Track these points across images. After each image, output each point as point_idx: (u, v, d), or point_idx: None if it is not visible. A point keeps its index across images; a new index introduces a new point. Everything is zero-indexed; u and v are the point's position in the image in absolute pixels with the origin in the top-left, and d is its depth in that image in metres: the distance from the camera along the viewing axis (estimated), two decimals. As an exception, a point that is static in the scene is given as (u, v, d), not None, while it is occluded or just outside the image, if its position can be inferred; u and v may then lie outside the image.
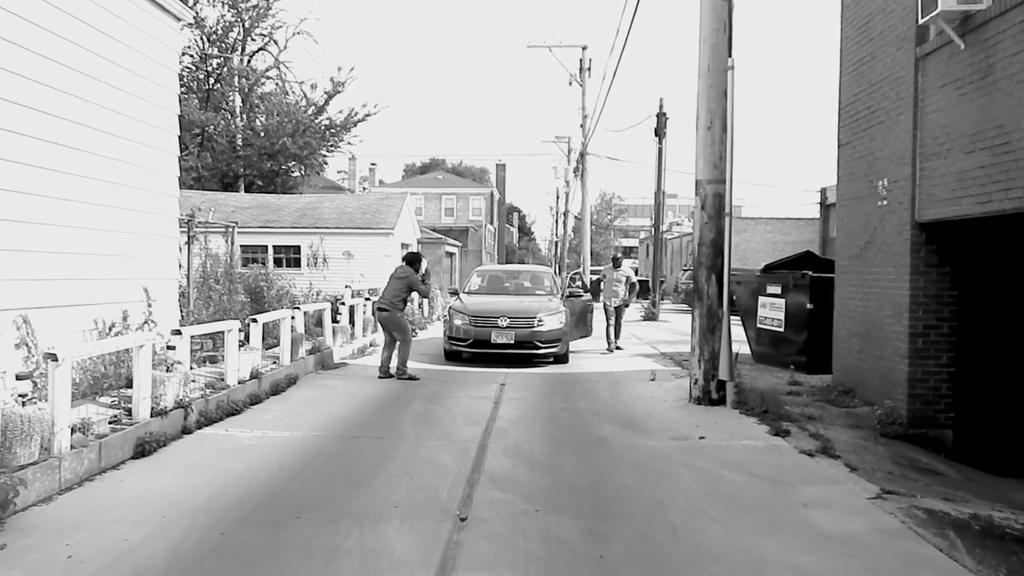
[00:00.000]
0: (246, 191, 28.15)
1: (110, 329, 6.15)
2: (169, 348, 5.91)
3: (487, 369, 10.46)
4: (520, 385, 9.19)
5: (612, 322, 12.98)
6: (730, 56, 7.77)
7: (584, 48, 31.53)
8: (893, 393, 7.49)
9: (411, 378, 9.32)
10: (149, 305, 6.64)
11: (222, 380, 7.04)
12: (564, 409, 7.70)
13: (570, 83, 32.33)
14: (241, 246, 20.66)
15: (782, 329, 10.81)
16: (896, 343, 7.53)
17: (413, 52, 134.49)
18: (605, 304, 13.10)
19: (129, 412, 5.53)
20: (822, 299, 10.00)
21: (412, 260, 9.84)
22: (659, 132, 21.34)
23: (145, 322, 6.43)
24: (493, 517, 4.29)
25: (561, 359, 11.17)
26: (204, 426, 6.23)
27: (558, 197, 56.44)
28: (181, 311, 10.05)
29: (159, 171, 7.37)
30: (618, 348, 12.93)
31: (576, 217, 54.28)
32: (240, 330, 7.34)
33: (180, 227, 11.54)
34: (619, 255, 13.80)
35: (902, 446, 6.68)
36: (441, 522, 4.20)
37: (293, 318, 8.96)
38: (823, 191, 35.93)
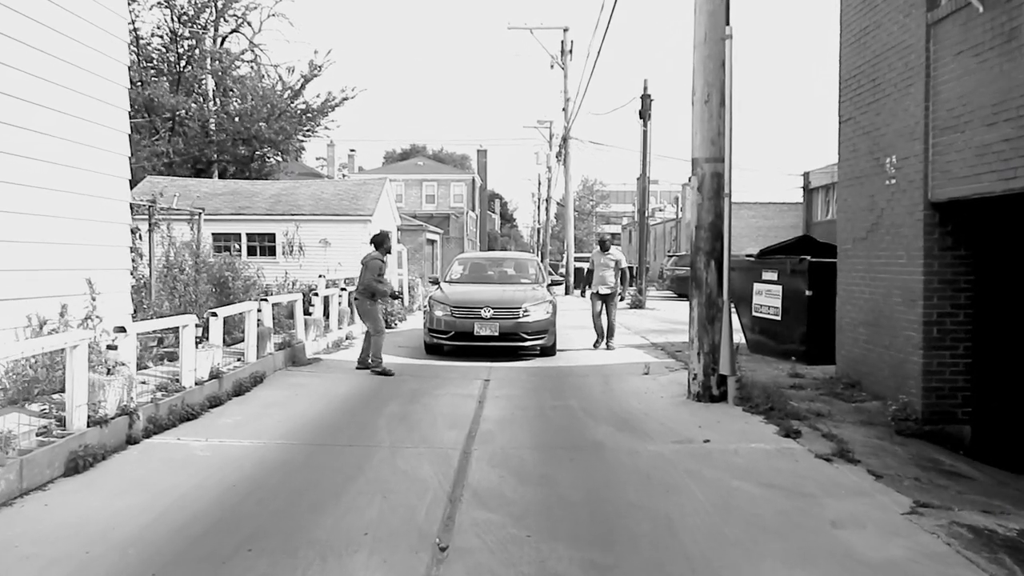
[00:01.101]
0: (220, 178, 27.13)
1: (41, 326, 5.43)
2: (110, 348, 5.22)
3: (470, 363, 9.85)
4: (506, 381, 8.59)
5: (598, 312, 11.31)
6: (728, 24, 7.17)
7: (565, 30, 30.85)
8: (905, 386, 7.01)
9: (385, 372, 8.69)
10: (93, 299, 5.92)
11: (177, 381, 6.36)
12: (554, 408, 7.12)
13: (552, 66, 31.68)
14: (213, 234, 19.83)
15: (779, 317, 10.31)
16: (908, 332, 7.03)
17: (392, 36, 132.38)
18: (593, 293, 11.51)
19: (63, 422, 4.84)
20: (822, 285, 9.51)
21: (378, 241, 9.12)
22: (644, 114, 20.75)
23: (87, 318, 5.72)
24: (478, 545, 3.70)
25: (548, 351, 10.59)
26: (153, 434, 5.56)
27: (540, 183, 55.80)
28: (142, 304, 9.34)
29: (106, 150, 6.61)
30: (607, 348, 11.22)
31: (559, 203, 53.70)
32: (198, 325, 6.65)
33: (140, 214, 10.82)
34: (607, 236, 12.44)
35: (920, 445, 6.19)
36: (417, 553, 3.60)
37: (259, 311, 8.26)
38: (806, 175, 35.67)
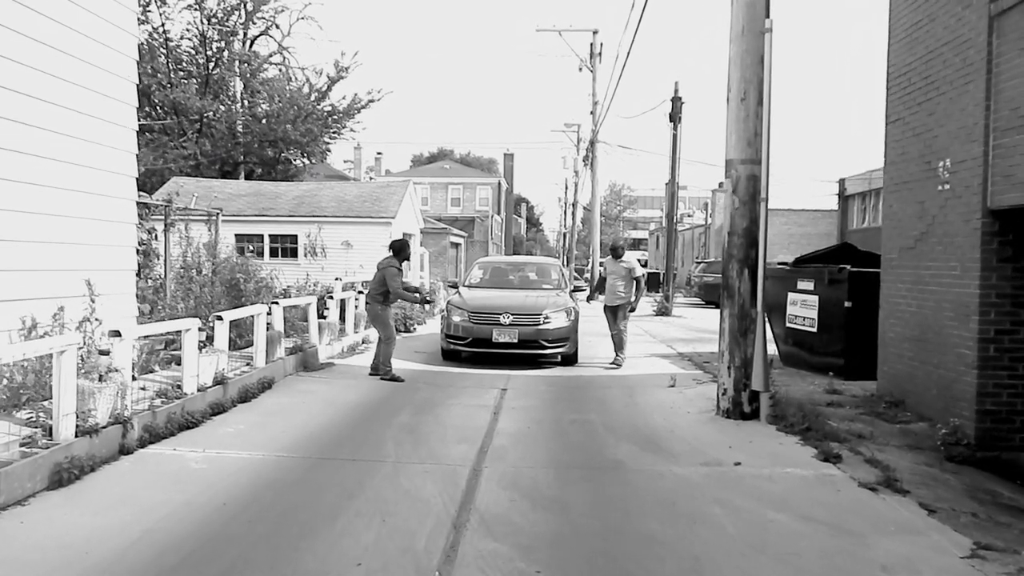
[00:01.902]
0: (246, 179, 27.25)
1: (31, 330, 5.20)
2: (102, 353, 4.96)
3: (487, 371, 9.48)
4: (523, 391, 8.20)
5: (612, 328, 10.07)
6: (768, 16, 6.71)
7: (595, 32, 30.40)
8: (956, 408, 6.45)
9: (394, 379, 8.37)
10: (92, 300, 5.68)
11: (179, 387, 6.09)
12: (573, 423, 6.71)
13: (580, 69, 31.23)
14: (236, 235, 19.83)
15: (815, 329, 9.75)
16: (961, 350, 6.47)
17: (420, 39, 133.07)
18: (604, 307, 10.26)
19: (50, 431, 4.58)
20: (863, 297, 8.95)
21: (397, 248, 8.82)
22: (674, 117, 20.21)
23: (85, 320, 5.48)
24: (481, 584, 3.31)
25: (569, 360, 10.17)
26: (149, 444, 5.28)
27: (567, 187, 55.34)
28: (157, 305, 9.17)
29: (111, 147, 6.39)
30: (615, 365, 9.90)
31: (585, 208, 53.16)
32: (201, 328, 6.38)
33: (157, 214, 10.68)
34: (620, 243, 10.67)
35: (974, 474, 5.64)
36: (413, 591, 3.23)
37: (269, 313, 7.99)
38: (841, 181, 34.67)
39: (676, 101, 20.02)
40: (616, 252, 10.33)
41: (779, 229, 35.57)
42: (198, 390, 6.19)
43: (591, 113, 30.61)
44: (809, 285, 9.83)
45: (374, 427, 6.27)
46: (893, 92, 7.78)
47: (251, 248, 19.87)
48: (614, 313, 10.10)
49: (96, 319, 5.73)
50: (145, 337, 6.72)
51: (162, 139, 25.96)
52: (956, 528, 4.18)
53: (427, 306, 11.79)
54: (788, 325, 10.26)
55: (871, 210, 32.35)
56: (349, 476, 4.84)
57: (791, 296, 10.18)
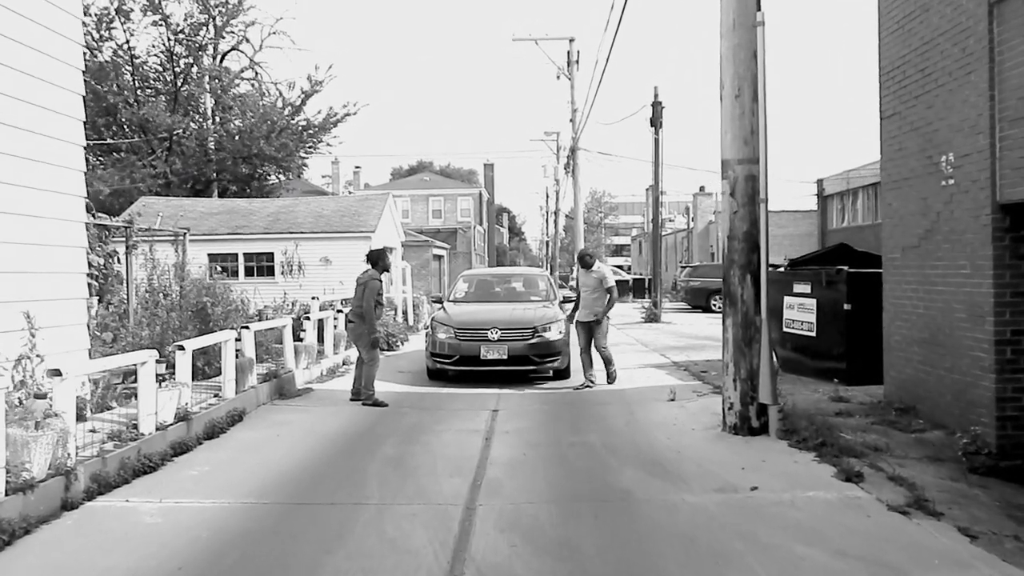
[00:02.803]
0: (220, 197, 26.53)
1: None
2: (38, 397, 4.39)
3: (477, 390, 8.98)
4: (516, 411, 7.71)
5: (585, 345, 9.11)
6: (759, 10, 6.35)
7: (571, 40, 30.14)
8: (973, 415, 6.07)
9: (378, 404, 7.84)
10: (32, 334, 5.10)
11: (135, 427, 5.52)
12: (572, 445, 6.23)
13: (558, 77, 30.91)
14: (209, 255, 19.11)
15: (814, 334, 9.38)
16: (976, 353, 6.10)
17: (395, 51, 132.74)
18: (577, 323, 9.27)
19: (-20, 488, 4.00)
20: (863, 298, 8.61)
21: (375, 258, 8.24)
22: (655, 122, 19.95)
23: (22, 358, 4.90)
24: (481, 661, 2.81)
25: (562, 374, 9.70)
26: (98, 495, 4.71)
27: (548, 196, 55.09)
28: (118, 333, 8.55)
29: (54, 165, 5.83)
30: (587, 386, 8.87)
31: (568, 216, 52.89)
32: (160, 360, 5.82)
33: (118, 235, 10.08)
34: (588, 252, 9.68)
35: (1001, 487, 5.23)
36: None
37: (238, 339, 7.43)
38: (820, 182, 34.80)
39: (656, 106, 19.76)
40: (584, 262, 9.39)
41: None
42: (157, 429, 5.62)
43: (570, 121, 30.32)
44: (806, 288, 9.47)
45: (356, 461, 5.74)
46: (887, 87, 7.46)
47: (224, 268, 19.23)
48: (588, 330, 9.05)
49: (37, 356, 5.14)
50: (99, 372, 6.16)
51: (130, 158, 25.20)
52: (1004, 557, 3.77)
53: (410, 306, 11.00)
54: (785, 330, 9.89)
55: (850, 209, 32.44)
56: (328, 524, 4.31)
57: (787, 300, 9.82)
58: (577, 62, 30.07)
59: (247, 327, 7.82)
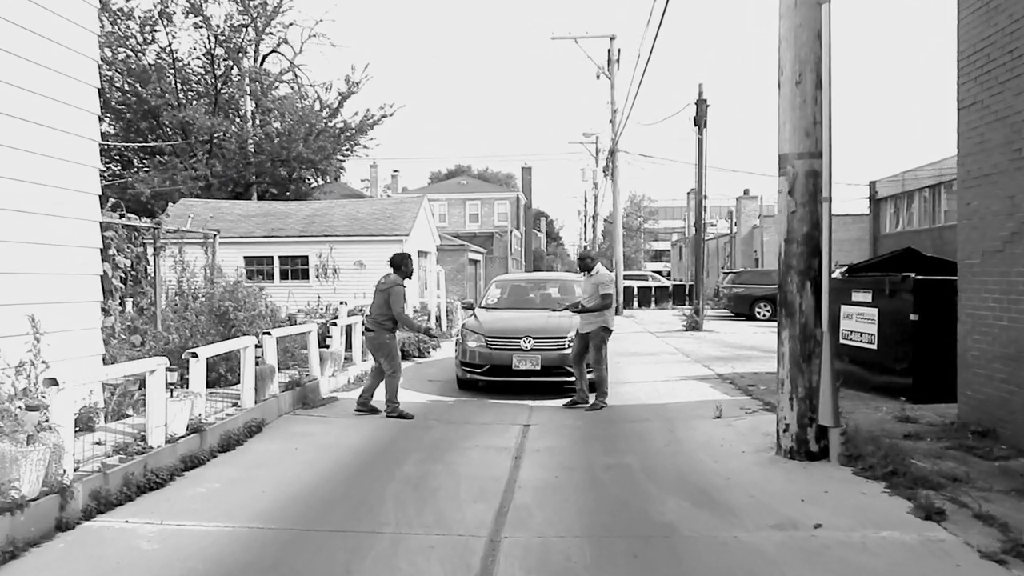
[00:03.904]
0: (260, 200, 26.73)
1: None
2: (30, 409, 4.08)
3: (508, 401, 8.51)
4: (549, 427, 7.20)
5: (573, 354, 8.31)
6: (824, -14, 5.73)
7: (612, 38, 29.57)
8: (1071, 443, 5.33)
9: (402, 416, 7.42)
10: (37, 339, 4.82)
11: (143, 440, 5.20)
12: (608, 468, 5.69)
13: (598, 76, 30.36)
14: (245, 257, 19.15)
15: (874, 346, 8.63)
16: (1073, 372, 5.36)
17: (435, 52, 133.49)
18: (576, 331, 8.34)
19: (-34, 508, 3.69)
20: (932, 308, 7.85)
21: (398, 263, 7.71)
22: (699, 121, 19.21)
23: (22, 364, 4.62)
24: None
25: (598, 387, 9.13)
26: (97, 514, 4.39)
27: (586, 200, 54.38)
28: (146, 336, 8.36)
29: (66, 160, 5.58)
30: (576, 403, 8.06)
31: (606, 220, 52.10)
32: (171, 369, 5.50)
33: (149, 237, 9.93)
34: (589, 254, 8.75)
35: (1112, 530, 4.52)
36: None
37: (259, 346, 7.11)
38: (872, 184, 33.37)
39: (701, 104, 19.03)
40: (585, 264, 8.45)
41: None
42: (167, 441, 5.29)
43: (610, 122, 29.72)
44: (866, 297, 8.73)
45: (374, 481, 5.31)
46: (967, 72, 6.72)
47: (260, 271, 19.22)
48: (585, 341, 8.07)
49: (42, 362, 4.85)
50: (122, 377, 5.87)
51: (172, 161, 25.57)
52: None
53: (430, 339, 10.32)
54: (842, 341, 9.13)
55: (904, 213, 30.95)
56: (334, 558, 3.88)
57: (844, 309, 9.07)
58: (618, 61, 29.46)
59: (268, 333, 7.50)
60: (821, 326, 5.71)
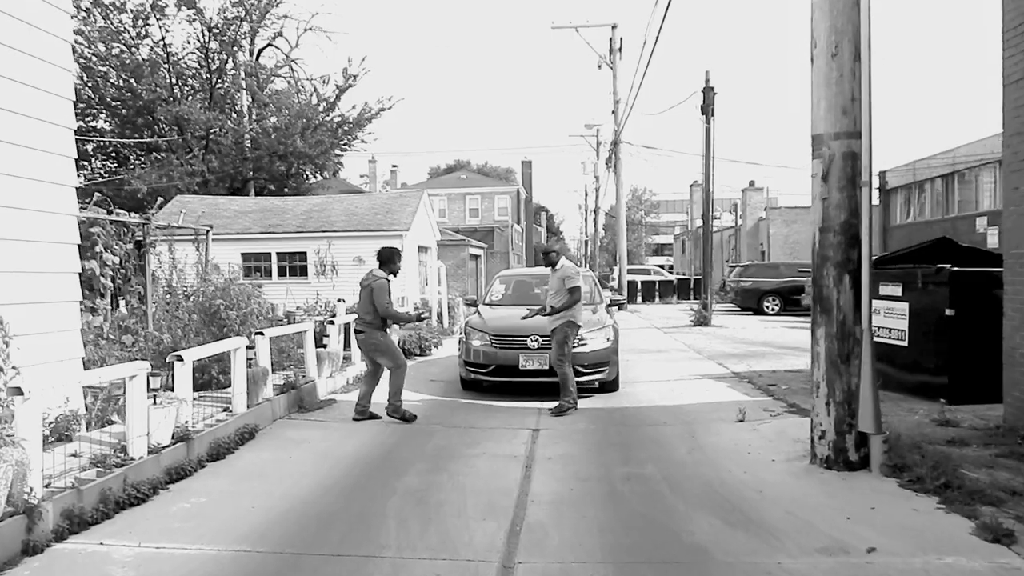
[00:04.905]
0: (257, 196, 26.23)
1: None
2: (-14, 423, 3.65)
3: (515, 403, 8.05)
4: (560, 431, 6.75)
5: (552, 361, 7.70)
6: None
7: (614, 27, 28.99)
8: None
9: (405, 417, 6.97)
10: (6, 343, 4.38)
11: (124, 451, 4.75)
12: (627, 479, 5.23)
13: (599, 67, 29.81)
14: (242, 254, 18.71)
15: (904, 343, 8.16)
16: None
17: (433, 44, 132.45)
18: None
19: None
20: (970, 302, 7.40)
21: (384, 258, 7.20)
22: (706, 109, 18.68)
23: (-12, 372, 4.19)
24: None
25: (609, 387, 8.69)
26: (70, 535, 3.95)
27: (587, 194, 53.87)
28: (137, 336, 7.92)
29: (35, 149, 5.12)
30: (561, 412, 7.37)
31: (607, 214, 51.59)
32: (153, 374, 5.05)
33: (138, 233, 9.47)
34: (554, 248, 8.04)
35: None
36: None
37: (250, 347, 6.66)
38: (882, 174, 32.78)
39: (708, 92, 18.51)
40: (549, 259, 7.88)
41: (810, 228, 33.63)
42: (150, 452, 4.85)
43: (612, 113, 29.18)
44: (896, 290, 8.25)
45: (373, 495, 4.86)
46: (1014, 44, 6.22)
47: (258, 268, 18.78)
48: (556, 338, 7.55)
49: (12, 368, 4.41)
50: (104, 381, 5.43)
51: (168, 157, 25.07)
52: None
53: (422, 322, 9.47)
54: (867, 338, 8.66)
55: (916, 203, 30.39)
56: (328, 589, 3.43)
57: (873, 303, 8.56)
58: (620, 50, 28.89)
59: (261, 333, 7.04)
60: (861, 323, 5.25)
